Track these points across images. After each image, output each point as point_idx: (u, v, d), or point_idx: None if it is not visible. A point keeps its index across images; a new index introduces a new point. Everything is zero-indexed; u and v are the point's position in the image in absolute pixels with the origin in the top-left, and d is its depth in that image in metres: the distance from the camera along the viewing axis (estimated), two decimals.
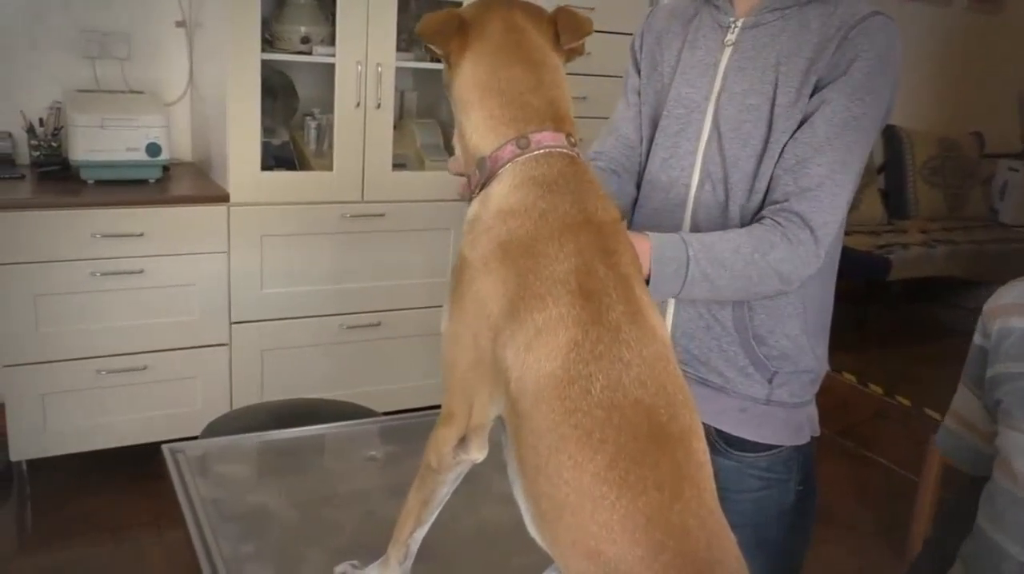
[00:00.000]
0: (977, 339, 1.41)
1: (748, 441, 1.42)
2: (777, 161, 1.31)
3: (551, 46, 1.04)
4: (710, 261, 1.22)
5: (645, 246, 1.19)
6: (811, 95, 1.29)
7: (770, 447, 1.42)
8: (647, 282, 1.18)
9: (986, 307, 1.38)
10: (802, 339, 1.40)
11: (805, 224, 1.25)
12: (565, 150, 0.99)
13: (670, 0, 1.55)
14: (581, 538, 0.84)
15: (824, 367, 1.47)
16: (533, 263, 0.92)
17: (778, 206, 1.27)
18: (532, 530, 0.94)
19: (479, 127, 1.01)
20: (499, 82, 1.00)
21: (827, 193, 1.25)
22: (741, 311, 1.37)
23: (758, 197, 1.33)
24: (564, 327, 0.89)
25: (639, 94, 1.52)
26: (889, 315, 5.28)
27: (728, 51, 1.38)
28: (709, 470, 0.90)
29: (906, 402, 3.99)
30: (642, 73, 1.52)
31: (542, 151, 0.98)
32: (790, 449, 1.43)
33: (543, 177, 0.97)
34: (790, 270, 1.25)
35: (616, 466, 0.83)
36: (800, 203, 1.25)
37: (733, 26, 1.38)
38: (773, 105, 1.31)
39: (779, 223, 1.26)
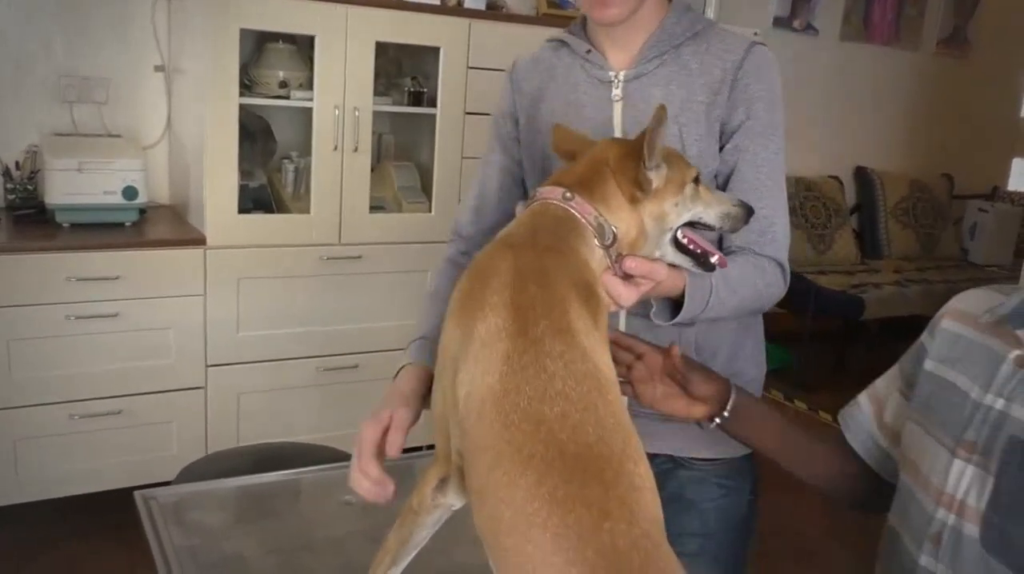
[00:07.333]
0: (923, 336, 1.40)
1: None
2: None
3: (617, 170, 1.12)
4: (727, 289, 1.29)
5: (683, 275, 1.24)
6: (720, 139, 1.35)
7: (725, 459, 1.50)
8: (680, 305, 1.25)
9: (942, 310, 1.38)
10: (744, 350, 1.47)
11: (774, 262, 1.36)
12: (551, 199, 1.09)
13: (527, 56, 1.50)
14: (519, 562, 0.83)
15: (763, 369, 1.53)
16: (483, 273, 1.00)
17: (746, 251, 1.36)
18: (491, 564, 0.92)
19: None
20: (560, 174, 1.15)
21: (780, 229, 1.37)
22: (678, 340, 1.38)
23: None
24: (500, 339, 0.92)
25: (515, 159, 1.51)
26: (865, 355, 5.31)
27: (618, 106, 1.37)
28: (647, 495, 0.87)
29: None
30: (522, 139, 1.49)
31: (536, 202, 1.11)
32: (742, 458, 1.51)
33: (520, 213, 1.12)
34: (772, 295, 1.37)
35: (545, 482, 0.83)
36: (765, 247, 1.36)
37: (616, 80, 1.37)
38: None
39: (760, 255, 1.35)
